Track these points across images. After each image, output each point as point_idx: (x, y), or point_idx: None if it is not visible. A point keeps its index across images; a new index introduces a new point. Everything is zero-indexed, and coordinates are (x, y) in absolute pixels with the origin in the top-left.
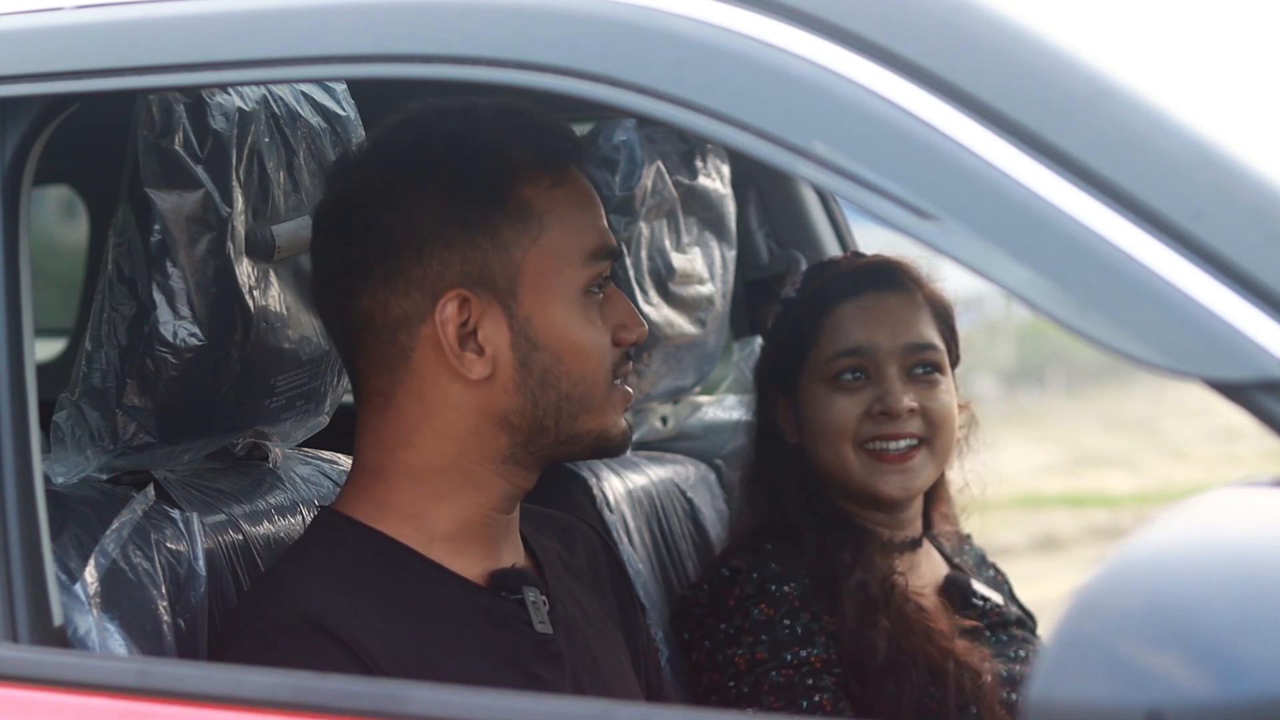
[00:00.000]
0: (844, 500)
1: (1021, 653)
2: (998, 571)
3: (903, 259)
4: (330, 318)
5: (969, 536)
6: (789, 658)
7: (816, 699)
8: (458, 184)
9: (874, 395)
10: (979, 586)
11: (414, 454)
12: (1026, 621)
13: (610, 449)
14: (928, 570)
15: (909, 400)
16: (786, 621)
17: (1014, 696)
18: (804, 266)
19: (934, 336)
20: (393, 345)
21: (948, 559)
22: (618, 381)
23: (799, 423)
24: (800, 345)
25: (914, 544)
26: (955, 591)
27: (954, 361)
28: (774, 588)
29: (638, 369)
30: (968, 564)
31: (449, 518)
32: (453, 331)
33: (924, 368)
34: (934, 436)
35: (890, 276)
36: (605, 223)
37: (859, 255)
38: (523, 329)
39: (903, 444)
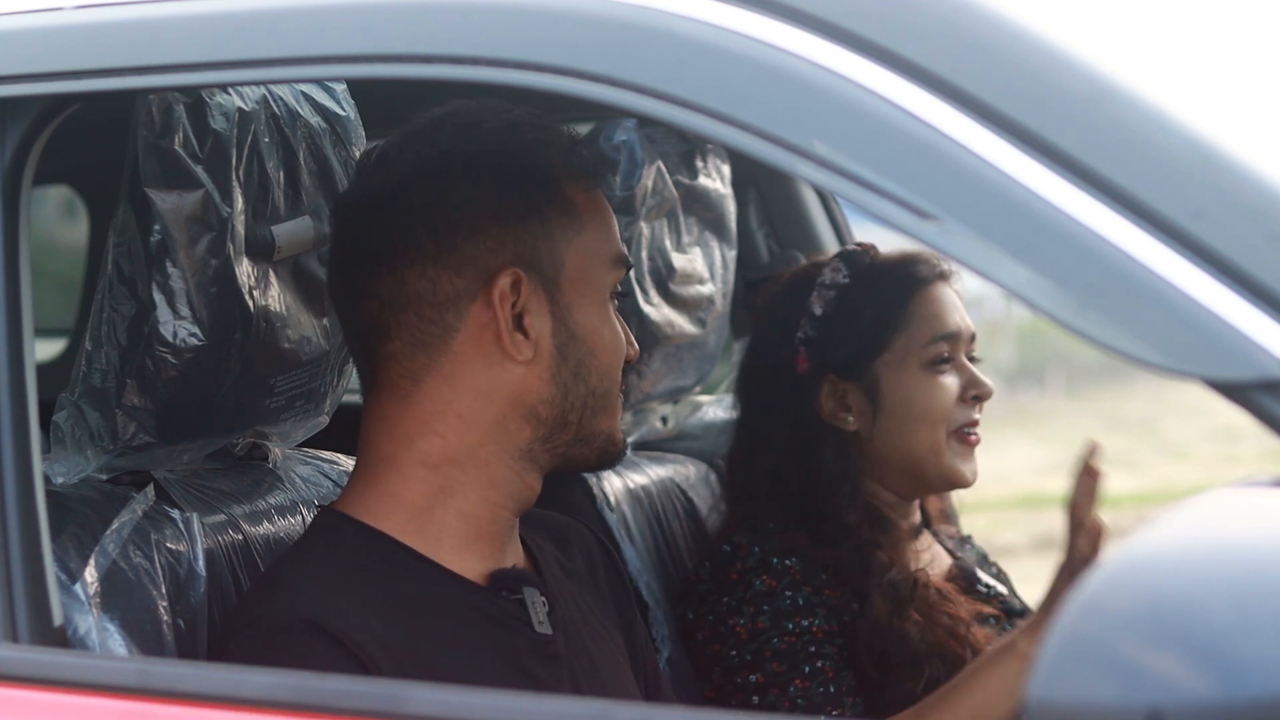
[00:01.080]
0: (897, 484)
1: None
2: (1000, 570)
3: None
4: (358, 303)
5: (969, 537)
6: (790, 626)
7: (819, 665)
8: (511, 171)
9: (964, 380)
10: (984, 575)
11: (435, 442)
12: (1029, 612)
13: (612, 456)
14: (932, 560)
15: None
16: (788, 593)
17: None
18: None
19: None
20: (437, 325)
21: (950, 553)
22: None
23: (873, 407)
24: (884, 328)
25: (920, 530)
26: (963, 579)
27: None
28: (775, 560)
29: (638, 369)
30: (972, 553)
31: (456, 514)
32: (508, 309)
33: (975, 358)
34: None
35: (943, 268)
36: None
37: (877, 250)
38: (564, 318)
39: (979, 431)
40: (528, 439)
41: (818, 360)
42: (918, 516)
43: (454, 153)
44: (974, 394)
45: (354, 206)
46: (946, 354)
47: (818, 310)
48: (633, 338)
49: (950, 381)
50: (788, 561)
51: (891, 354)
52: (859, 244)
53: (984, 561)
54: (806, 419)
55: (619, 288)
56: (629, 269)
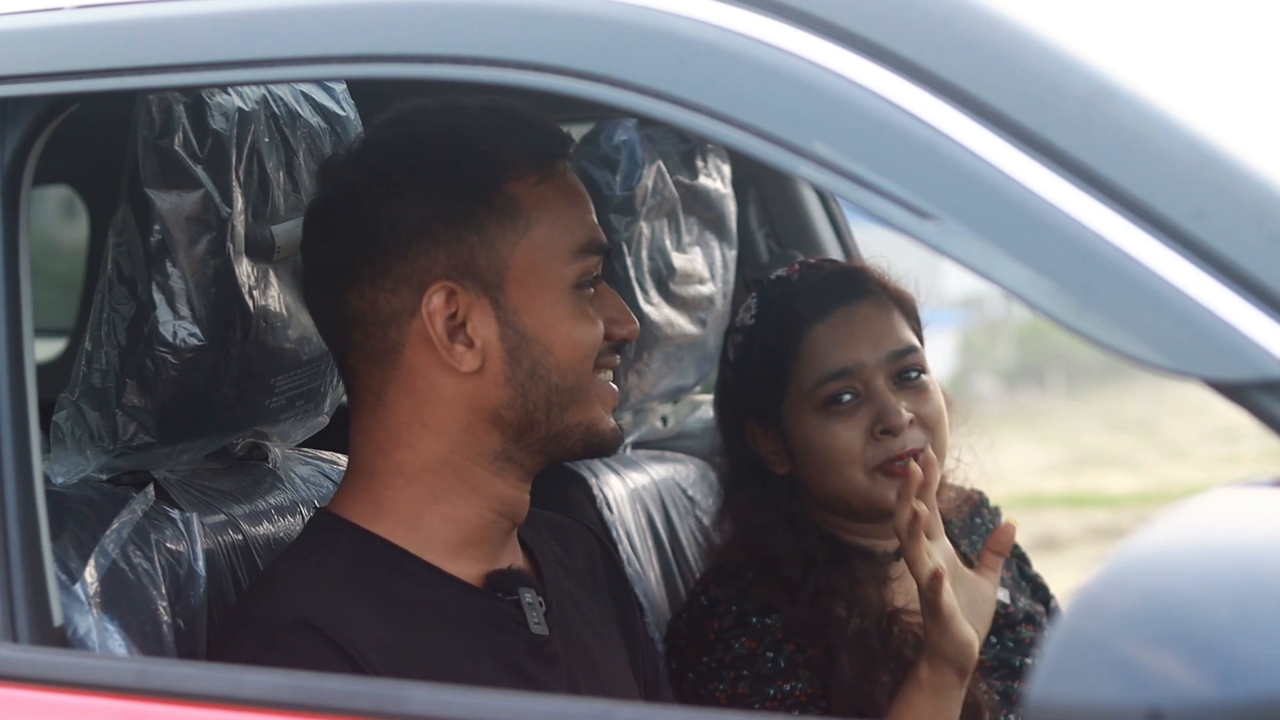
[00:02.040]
0: (841, 518)
1: (1027, 660)
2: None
3: (856, 263)
4: (322, 316)
5: (983, 500)
6: (772, 692)
7: None
8: (444, 181)
9: (871, 414)
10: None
11: (407, 453)
12: (1035, 615)
13: (601, 445)
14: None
15: (906, 412)
16: (769, 654)
17: (1012, 717)
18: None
19: (911, 337)
20: (383, 342)
21: (955, 545)
22: (603, 376)
23: (788, 452)
24: (776, 374)
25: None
26: None
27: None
28: (755, 620)
29: (638, 369)
30: (977, 547)
31: (444, 519)
32: (440, 323)
33: (911, 373)
34: (934, 438)
35: (854, 285)
36: (594, 218)
37: (810, 266)
38: (511, 321)
39: (909, 457)
40: (498, 442)
41: (736, 405)
42: None
43: (391, 164)
44: (882, 429)
45: (307, 221)
46: (842, 392)
47: (731, 355)
48: (629, 313)
49: (850, 421)
50: (768, 620)
51: (789, 400)
52: (786, 268)
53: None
54: (743, 458)
55: (595, 272)
56: (604, 252)
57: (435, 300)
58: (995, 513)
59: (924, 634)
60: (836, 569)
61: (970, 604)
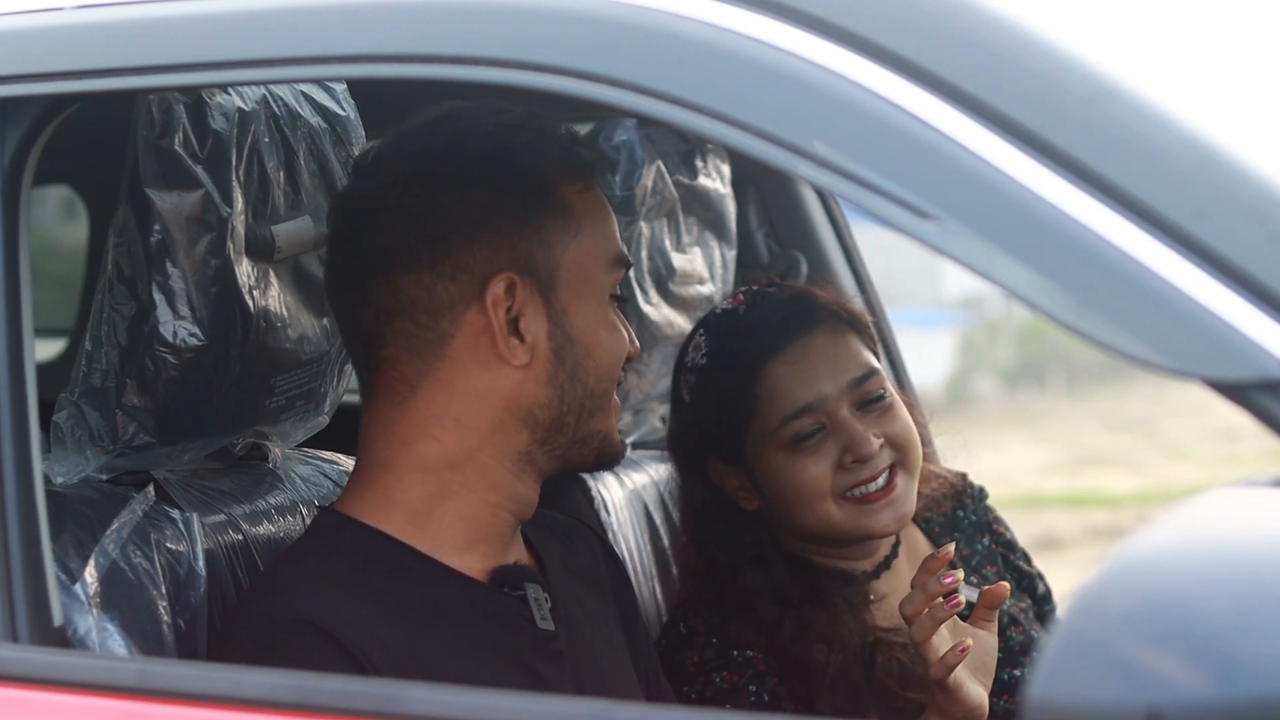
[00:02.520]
0: (817, 545)
1: (1016, 672)
2: (994, 540)
3: (804, 289)
4: (354, 308)
5: (966, 487)
6: None
7: None
8: (506, 178)
9: (839, 446)
10: (965, 593)
11: (432, 446)
12: (1018, 615)
13: (611, 457)
14: (909, 579)
15: (875, 439)
16: (752, 688)
17: None
18: (804, 268)
19: (870, 359)
20: (433, 330)
21: (936, 546)
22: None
23: (757, 488)
24: (737, 414)
25: (889, 561)
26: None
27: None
28: (735, 653)
29: (638, 369)
30: (960, 546)
31: (455, 515)
32: (502, 313)
33: (874, 398)
34: (904, 457)
35: (806, 314)
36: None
37: (757, 296)
38: (560, 321)
39: (880, 480)
40: (525, 442)
41: (697, 444)
42: (883, 550)
43: (448, 157)
44: (852, 459)
45: (349, 210)
46: (808, 429)
47: (686, 396)
48: (634, 335)
49: (818, 455)
50: (749, 653)
51: (752, 439)
52: (731, 300)
53: (981, 528)
54: (706, 498)
55: (618, 289)
56: (628, 269)
57: (498, 289)
58: (979, 503)
59: (932, 703)
60: (812, 604)
61: (974, 660)
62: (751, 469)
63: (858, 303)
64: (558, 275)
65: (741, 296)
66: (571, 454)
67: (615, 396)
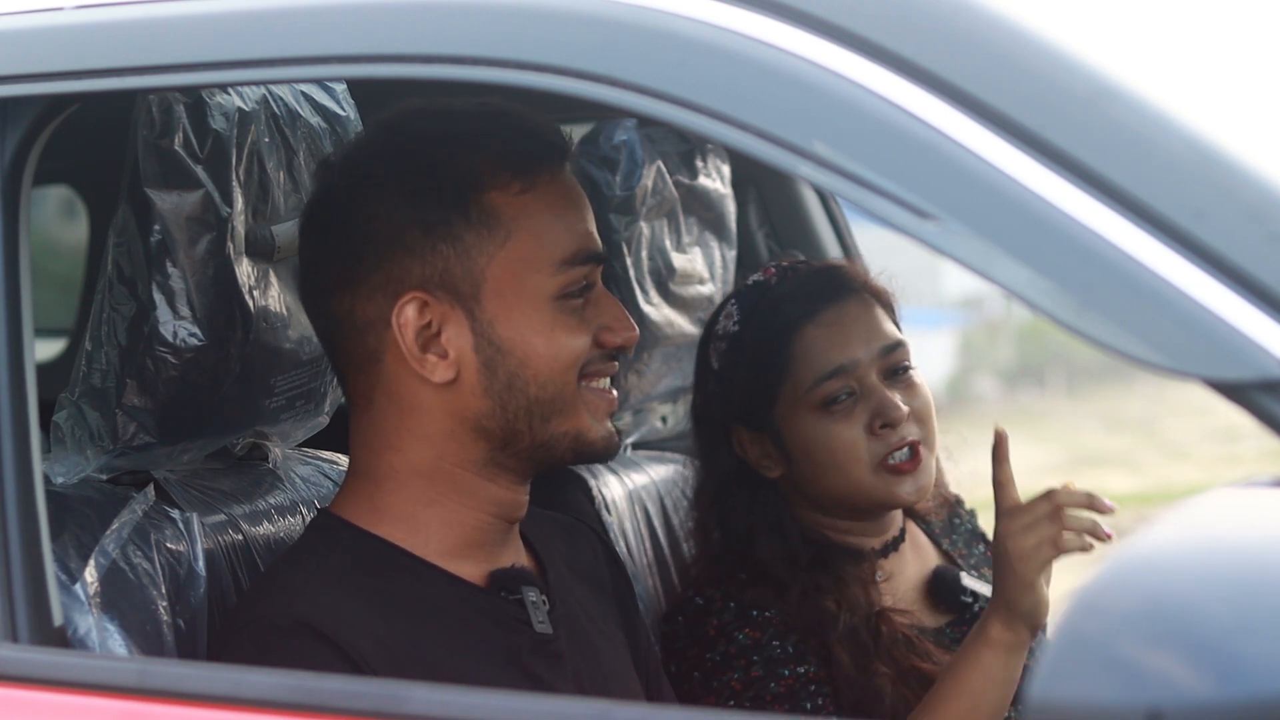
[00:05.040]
0: (835, 518)
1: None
2: (988, 547)
3: (837, 261)
4: (313, 319)
5: (960, 502)
6: (786, 672)
7: (820, 701)
8: (422, 188)
9: (869, 410)
10: (969, 581)
11: (398, 456)
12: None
13: (592, 453)
14: (914, 565)
15: (903, 405)
16: (775, 642)
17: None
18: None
19: (896, 331)
20: (363, 348)
21: (936, 544)
22: (596, 384)
23: (784, 455)
24: (768, 379)
25: (896, 543)
26: (943, 589)
27: None
28: (755, 613)
29: (638, 369)
30: (958, 545)
31: (440, 522)
32: (411, 334)
33: (900, 368)
34: (926, 431)
35: (839, 283)
36: (589, 226)
37: (788, 268)
38: (486, 333)
39: (907, 450)
40: (484, 449)
41: (722, 413)
42: (895, 526)
43: (372, 170)
44: (882, 423)
45: (301, 220)
46: (839, 391)
47: (715, 364)
48: (626, 320)
49: (849, 420)
50: (767, 613)
51: (783, 403)
52: (762, 273)
53: (975, 536)
54: (729, 467)
55: (586, 281)
56: (598, 261)
57: (407, 311)
58: (972, 514)
59: (998, 591)
60: (821, 570)
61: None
62: (778, 435)
63: (883, 279)
64: (482, 285)
65: (773, 269)
66: (541, 456)
67: (601, 390)
